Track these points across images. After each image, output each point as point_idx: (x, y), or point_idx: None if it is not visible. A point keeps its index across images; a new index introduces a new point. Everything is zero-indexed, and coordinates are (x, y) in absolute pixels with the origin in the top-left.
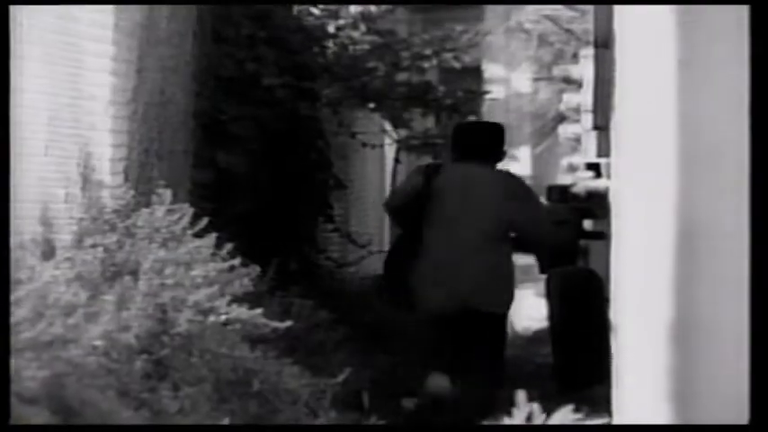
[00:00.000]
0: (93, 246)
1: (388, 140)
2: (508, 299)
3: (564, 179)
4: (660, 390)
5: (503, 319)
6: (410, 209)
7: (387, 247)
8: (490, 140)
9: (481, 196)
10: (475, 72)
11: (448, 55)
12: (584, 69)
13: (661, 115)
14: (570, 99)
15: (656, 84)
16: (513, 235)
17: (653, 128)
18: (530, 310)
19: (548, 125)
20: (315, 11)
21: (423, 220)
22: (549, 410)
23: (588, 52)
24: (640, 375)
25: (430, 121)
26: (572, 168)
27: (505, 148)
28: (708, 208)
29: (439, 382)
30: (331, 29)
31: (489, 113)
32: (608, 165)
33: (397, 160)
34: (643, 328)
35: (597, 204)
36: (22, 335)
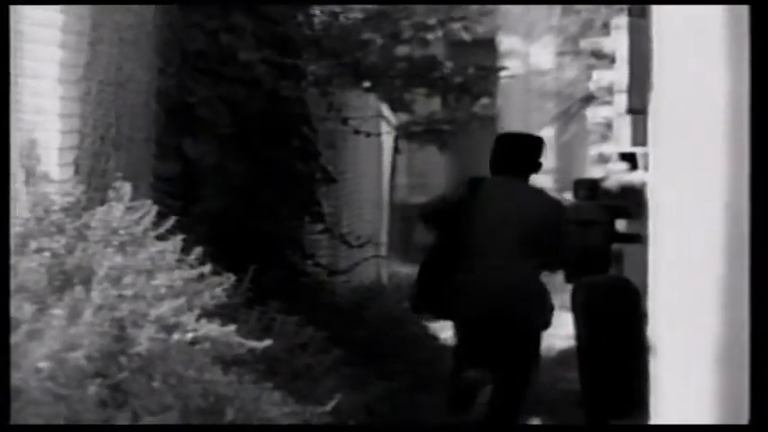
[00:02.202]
0: (39, 250)
1: (385, 127)
2: (544, 309)
3: (593, 172)
4: (706, 420)
5: (539, 329)
6: (447, 218)
7: (384, 251)
8: (531, 154)
9: (521, 216)
10: (488, 45)
11: (456, 25)
12: (617, 42)
13: (708, 97)
14: (600, 77)
15: (702, 60)
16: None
17: (698, 112)
18: (553, 326)
19: (574, 108)
20: None
21: (463, 231)
22: None
23: (621, 22)
24: (682, 403)
25: (435, 104)
26: (603, 159)
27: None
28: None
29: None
30: None
31: (505, 93)
32: (645, 155)
33: (396, 150)
34: (686, 347)
35: (632, 202)
36: None
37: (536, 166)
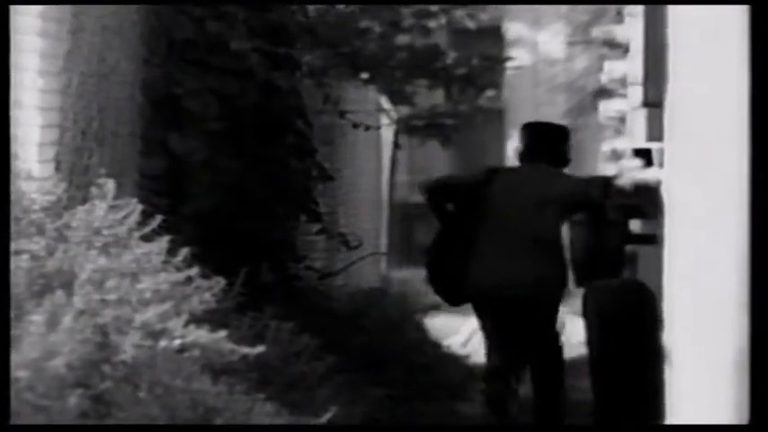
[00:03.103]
0: (18, 252)
1: (385, 121)
2: (559, 286)
3: (606, 169)
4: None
5: (554, 307)
6: (458, 197)
7: (384, 251)
8: (564, 148)
9: (529, 196)
10: (494, 33)
11: (460, 12)
12: (631, 30)
13: (726, 89)
14: (614, 68)
15: (721, 50)
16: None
17: (716, 105)
18: (563, 333)
19: (586, 101)
20: None
21: (475, 216)
22: None
23: (635, 9)
24: (699, 412)
25: (438, 96)
26: (616, 155)
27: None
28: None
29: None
30: None
31: (512, 85)
32: (660, 151)
33: (396, 145)
34: (703, 354)
35: (647, 201)
36: None
37: (567, 161)
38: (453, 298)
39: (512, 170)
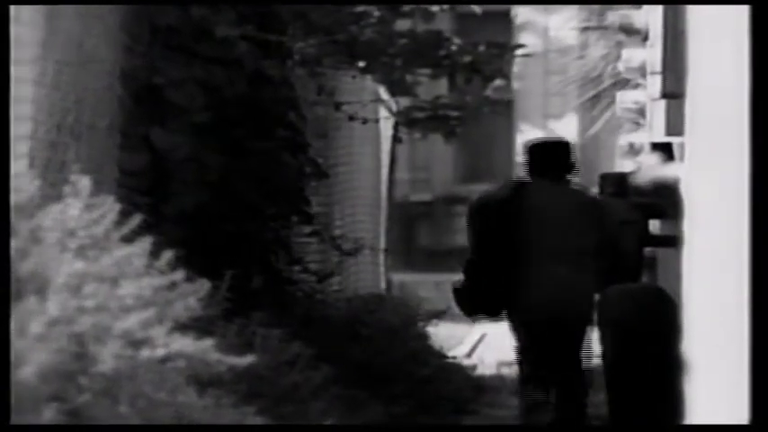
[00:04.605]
0: None
1: (384, 113)
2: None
3: (622, 165)
4: None
5: (586, 326)
6: (494, 216)
7: (382, 255)
8: (563, 158)
9: (571, 219)
10: (502, 18)
11: None
12: (650, 15)
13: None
14: (631, 56)
15: (744, 39)
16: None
17: (741, 97)
18: None
19: (601, 92)
20: None
21: (511, 234)
22: None
23: None
24: (721, 424)
25: (441, 86)
26: (633, 150)
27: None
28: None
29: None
30: None
31: (522, 74)
32: (681, 146)
33: (396, 139)
34: (725, 364)
35: (667, 199)
36: None
37: (572, 168)
38: (492, 312)
39: (534, 185)
